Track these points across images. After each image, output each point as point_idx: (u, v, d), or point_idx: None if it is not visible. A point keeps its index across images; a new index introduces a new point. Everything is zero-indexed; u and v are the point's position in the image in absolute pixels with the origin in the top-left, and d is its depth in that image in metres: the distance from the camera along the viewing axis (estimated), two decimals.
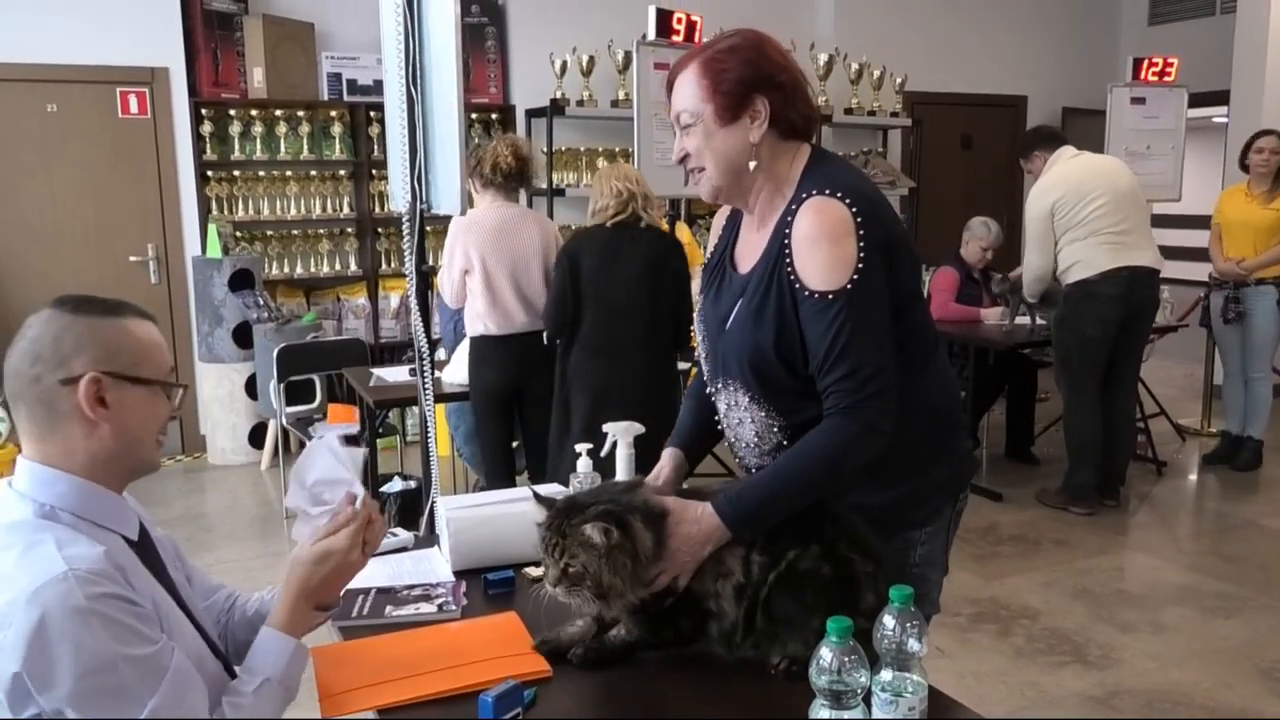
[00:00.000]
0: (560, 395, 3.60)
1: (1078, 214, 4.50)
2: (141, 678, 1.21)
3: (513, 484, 3.82)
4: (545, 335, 3.65)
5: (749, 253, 1.66)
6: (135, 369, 1.32)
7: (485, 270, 3.65)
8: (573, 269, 3.46)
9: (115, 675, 1.19)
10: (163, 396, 1.37)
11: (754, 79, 1.56)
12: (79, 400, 1.28)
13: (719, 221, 1.80)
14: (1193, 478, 5.46)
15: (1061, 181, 4.59)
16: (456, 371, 3.93)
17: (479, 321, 3.70)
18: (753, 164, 1.59)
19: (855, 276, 1.49)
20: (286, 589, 1.44)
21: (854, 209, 1.51)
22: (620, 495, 1.51)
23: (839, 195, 1.52)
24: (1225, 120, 6.89)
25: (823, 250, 1.51)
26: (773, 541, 1.48)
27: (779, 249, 1.56)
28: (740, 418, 1.67)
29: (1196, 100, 6.55)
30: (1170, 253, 6.43)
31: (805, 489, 1.52)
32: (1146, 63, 6.25)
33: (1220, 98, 6.87)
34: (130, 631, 1.22)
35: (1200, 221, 5.92)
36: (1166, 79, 6.25)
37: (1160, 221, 4.85)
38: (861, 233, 1.50)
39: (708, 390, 1.76)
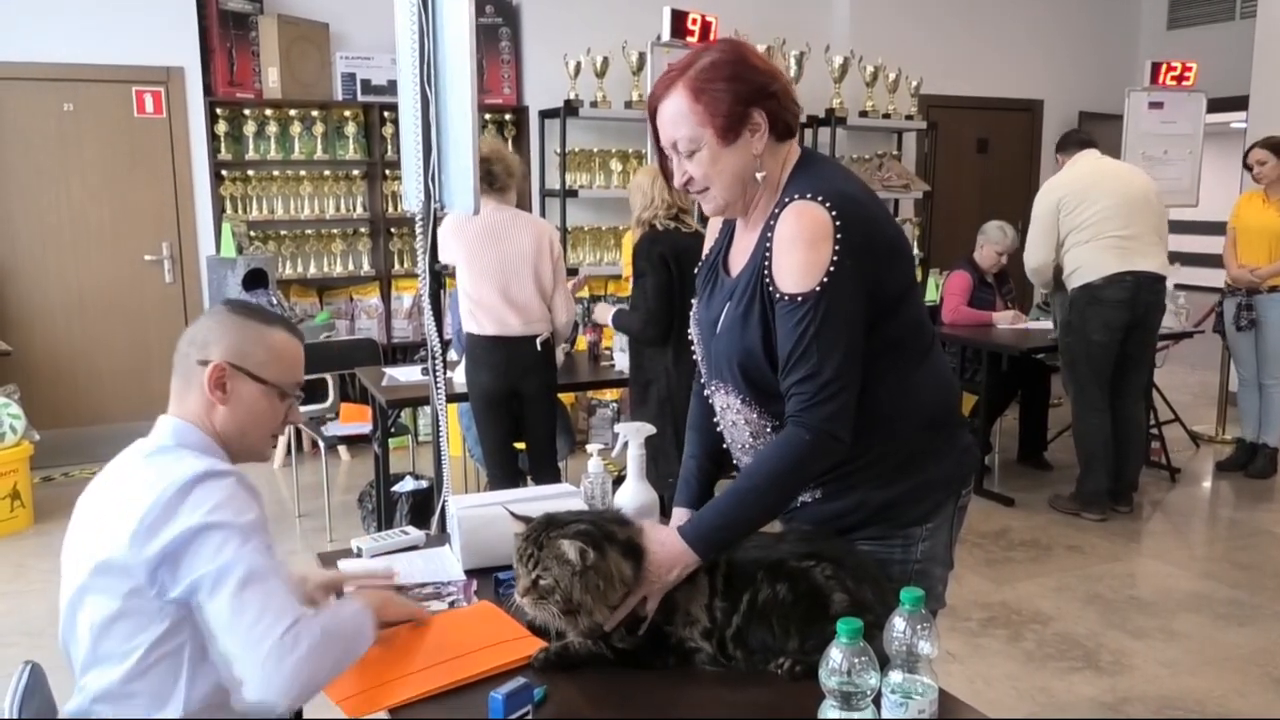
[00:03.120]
0: (664, 392, 3.62)
1: (1082, 214, 4.51)
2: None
3: (517, 484, 3.82)
4: (643, 336, 3.66)
5: (739, 256, 1.67)
6: (260, 369, 1.57)
7: (471, 272, 3.63)
8: (678, 265, 3.55)
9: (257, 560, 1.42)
10: (277, 399, 1.60)
11: (748, 94, 1.55)
12: (203, 380, 1.55)
13: (715, 224, 1.80)
14: (1206, 484, 5.42)
15: (1072, 181, 4.62)
16: None
17: (470, 319, 3.70)
18: (760, 174, 1.60)
19: (825, 280, 1.50)
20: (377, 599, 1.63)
21: (834, 212, 1.51)
22: (603, 521, 1.55)
23: (820, 199, 1.52)
24: (1244, 126, 6.84)
25: (797, 254, 1.51)
26: (729, 585, 1.52)
27: (762, 252, 1.58)
28: (734, 420, 1.69)
29: (1215, 105, 6.52)
30: (1186, 259, 6.40)
31: (763, 501, 1.56)
32: (1165, 67, 6.22)
33: (1239, 103, 6.83)
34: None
35: (1217, 228, 5.89)
36: (1185, 83, 6.22)
37: (1176, 227, 4.84)
38: (839, 237, 1.50)
39: (705, 392, 1.78)
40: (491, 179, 3.64)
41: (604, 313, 3.93)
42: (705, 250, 1.81)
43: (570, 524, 1.51)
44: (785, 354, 1.53)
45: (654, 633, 1.53)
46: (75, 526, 1.52)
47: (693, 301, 1.81)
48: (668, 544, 1.52)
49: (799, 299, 1.51)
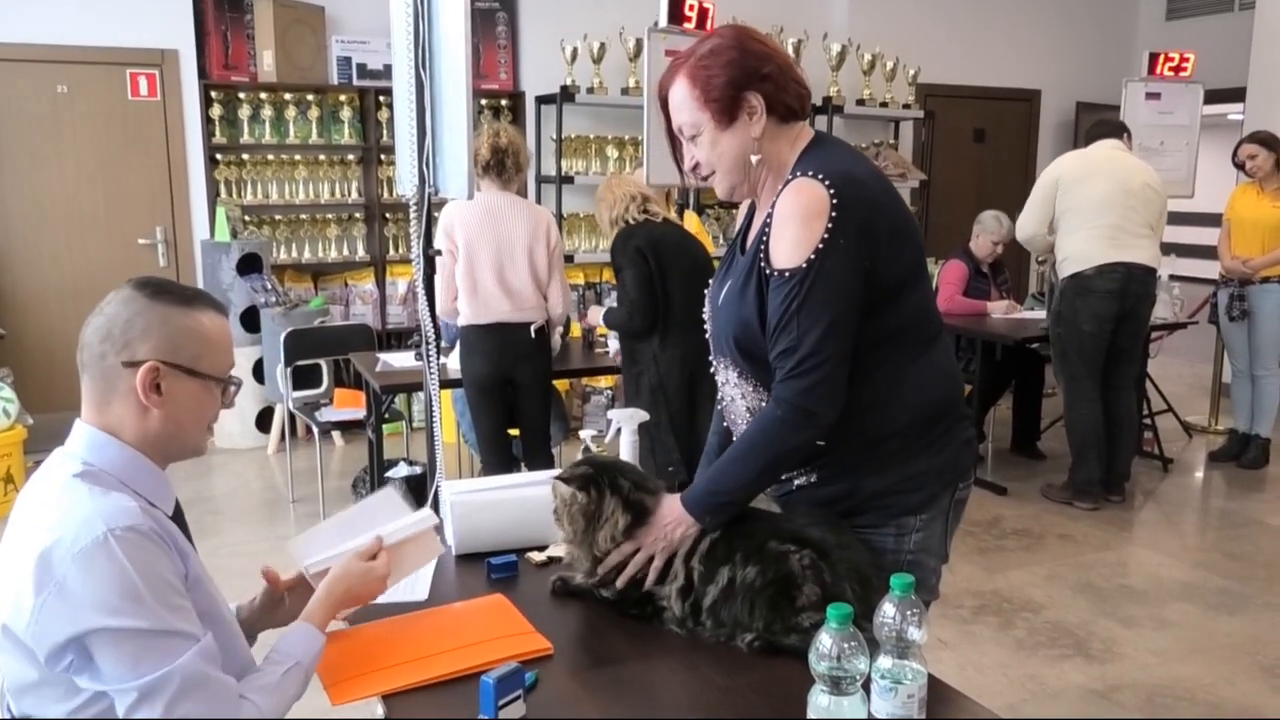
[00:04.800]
0: (654, 380, 3.62)
1: (1077, 196, 4.56)
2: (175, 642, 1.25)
3: (510, 470, 3.82)
4: (630, 328, 3.66)
5: (753, 235, 1.69)
6: (195, 363, 1.38)
7: (468, 253, 3.63)
8: (655, 255, 3.57)
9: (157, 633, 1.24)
10: (216, 390, 1.43)
11: (741, 78, 1.58)
12: (135, 384, 1.34)
13: (745, 203, 1.82)
14: (1199, 475, 5.45)
15: (1077, 161, 4.70)
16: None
17: (465, 310, 3.70)
18: (755, 157, 1.62)
19: (813, 257, 1.51)
20: (329, 593, 1.54)
21: (832, 190, 1.52)
22: (618, 473, 1.65)
23: (820, 177, 1.54)
24: (1241, 117, 6.84)
25: (790, 230, 1.54)
26: (711, 553, 1.58)
27: (764, 229, 1.60)
28: (732, 394, 1.71)
29: (1212, 97, 6.50)
30: (1182, 250, 6.40)
31: (745, 471, 1.61)
32: (1163, 58, 6.21)
33: (1236, 95, 6.83)
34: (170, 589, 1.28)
35: (1212, 219, 5.90)
36: (1182, 74, 6.21)
37: (1172, 218, 4.85)
38: (834, 215, 1.51)
39: (711, 369, 1.79)
40: (501, 169, 3.66)
41: (596, 315, 3.97)
42: (737, 227, 1.83)
43: (581, 466, 1.67)
44: (770, 328, 1.56)
45: (646, 593, 1.62)
46: (4, 549, 1.32)
47: (709, 282, 1.83)
48: (673, 505, 1.63)
49: (787, 274, 1.53)
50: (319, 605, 1.52)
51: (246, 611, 1.61)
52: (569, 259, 6.13)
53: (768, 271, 1.56)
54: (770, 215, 1.58)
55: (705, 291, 1.83)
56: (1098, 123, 4.96)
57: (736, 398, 1.70)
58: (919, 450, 1.63)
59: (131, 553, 1.23)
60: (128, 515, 1.26)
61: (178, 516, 1.46)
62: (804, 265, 1.51)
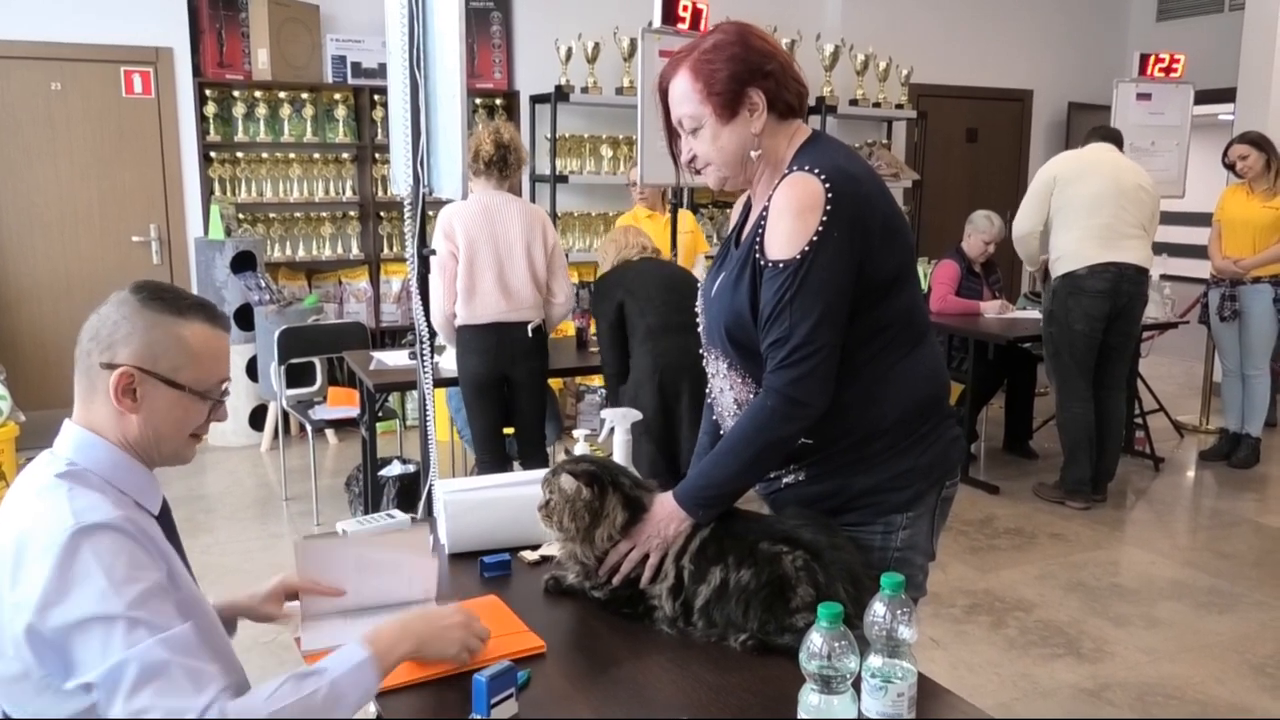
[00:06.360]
0: (632, 391, 3.64)
1: (1072, 194, 4.59)
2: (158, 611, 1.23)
3: (504, 469, 3.83)
4: (614, 385, 3.73)
5: (748, 230, 1.71)
6: (174, 373, 1.36)
7: (469, 253, 3.64)
8: (624, 286, 3.67)
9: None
10: (199, 403, 1.39)
11: (744, 73, 1.60)
12: (108, 386, 1.34)
13: (741, 200, 1.84)
14: (1190, 474, 5.47)
15: (1072, 160, 4.74)
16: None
17: (462, 310, 3.70)
18: (755, 153, 1.65)
19: (806, 249, 1.53)
20: (404, 625, 1.41)
21: (827, 184, 1.55)
22: (618, 472, 1.68)
23: (816, 171, 1.56)
24: (1231, 118, 6.87)
25: (785, 222, 1.56)
26: (702, 552, 1.59)
27: (759, 223, 1.62)
28: (721, 385, 1.74)
29: (1203, 97, 6.53)
30: (1173, 249, 6.43)
31: (737, 461, 1.62)
32: (1153, 58, 6.24)
33: (1227, 95, 6.86)
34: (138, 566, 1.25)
35: (1203, 219, 5.93)
36: (1173, 75, 6.23)
37: (1162, 218, 4.88)
38: (829, 208, 1.54)
39: (704, 363, 1.81)
40: (504, 165, 3.69)
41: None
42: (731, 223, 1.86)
43: (584, 463, 1.67)
44: (763, 319, 1.58)
45: (637, 592, 1.63)
46: None
47: (694, 289, 1.84)
48: (666, 502, 1.64)
49: (781, 265, 1.55)
50: (388, 628, 1.38)
51: (245, 599, 1.60)
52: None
53: (762, 262, 1.58)
54: (766, 209, 1.61)
55: (699, 286, 1.84)
56: (1096, 128, 4.99)
57: (725, 389, 1.72)
58: (906, 448, 1.65)
59: (100, 548, 1.22)
60: (97, 513, 1.25)
61: (165, 516, 1.46)
62: (798, 257, 1.54)
